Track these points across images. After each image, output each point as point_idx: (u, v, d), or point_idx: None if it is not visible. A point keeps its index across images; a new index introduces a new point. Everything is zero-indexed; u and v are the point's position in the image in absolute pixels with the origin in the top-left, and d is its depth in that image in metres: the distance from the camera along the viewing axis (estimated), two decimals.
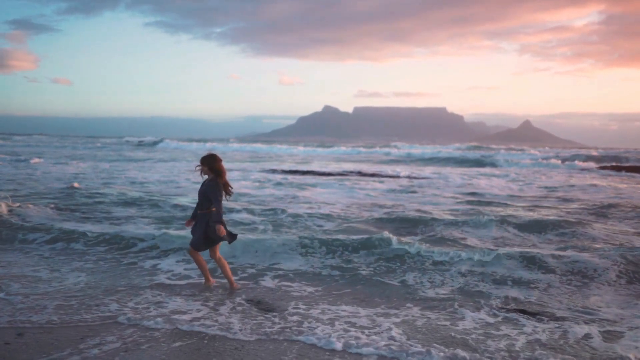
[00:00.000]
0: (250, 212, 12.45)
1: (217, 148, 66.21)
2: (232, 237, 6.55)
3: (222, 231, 6.32)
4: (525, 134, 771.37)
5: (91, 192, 15.16)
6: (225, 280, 6.83)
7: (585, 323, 5.63)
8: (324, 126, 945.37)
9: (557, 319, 5.79)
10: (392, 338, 5.12)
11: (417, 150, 57.87)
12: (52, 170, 24.54)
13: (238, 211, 12.48)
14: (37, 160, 31.45)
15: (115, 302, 6.13)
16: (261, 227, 10.76)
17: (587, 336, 5.26)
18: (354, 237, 9.09)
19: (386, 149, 61.10)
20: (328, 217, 11.92)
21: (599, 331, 5.37)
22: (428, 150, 58.16)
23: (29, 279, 6.98)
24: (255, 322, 5.55)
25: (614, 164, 38.68)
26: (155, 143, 73.66)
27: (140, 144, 73.18)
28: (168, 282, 7.06)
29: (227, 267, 6.75)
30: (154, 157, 41.69)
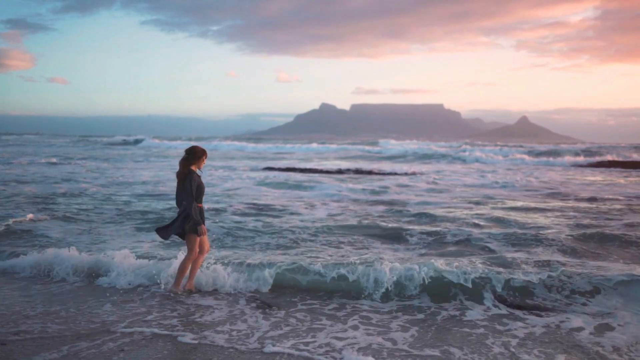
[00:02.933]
0: (242, 213, 12.48)
1: (218, 147, 65.16)
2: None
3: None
4: (522, 129, 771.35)
5: (102, 196, 15.12)
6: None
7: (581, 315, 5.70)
8: (321, 123, 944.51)
9: (555, 313, 5.85)
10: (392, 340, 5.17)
11: (406, 147, 57.42)
12: (65, 172, 24.49)
13: (227, 212, 12.51)
14: (53, 160, 31.67)
15: (113, 304, 6.17)
16: (251, 224, 10.77)
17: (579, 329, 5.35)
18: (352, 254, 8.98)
19: (371, 147, 60.48)
20: (324, 220, 11.54)
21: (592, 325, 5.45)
22: (415, 146, 57.74)
23: (30, 280, 7.02)
24: (257, 324, 5.54)
25: (610, 159, 38.06)
26: (137, 141, 72.45)
27: (125, 143, 72.32)
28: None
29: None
30: (146, 155, 41.61)
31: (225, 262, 7.17)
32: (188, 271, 6.41)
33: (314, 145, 65.47)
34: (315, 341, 5.08)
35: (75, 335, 5.11)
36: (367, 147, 59.02)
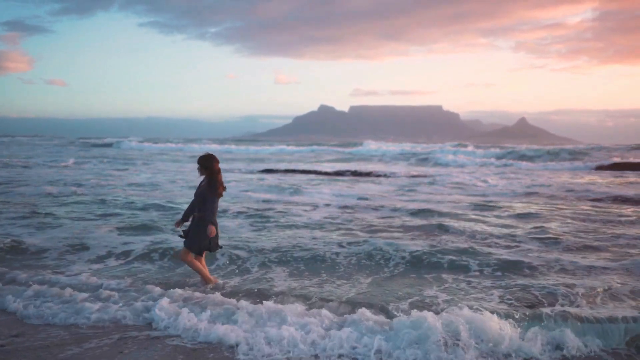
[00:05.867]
0: (238, 217, 12.43)
1: (185, 149, 62.00)
2: (217, 245, 6.61)
3: (213, 231, 6.33)
4: (521, 131, 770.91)
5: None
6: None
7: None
8: (320, 125, 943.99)
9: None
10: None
11: (397, 148, 57.04)
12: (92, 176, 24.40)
13: (228, 216, 12.50)
14: (72, 160, 32.86)
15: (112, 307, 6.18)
16: (245, 233, 10.70)
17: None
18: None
19: (360, 148, 60.12)
20: (328, 227, 11.30)
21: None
22: (408, 147, 57.19)
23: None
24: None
25: (615, 160, 36.03)
26: (116, 143, 70.62)
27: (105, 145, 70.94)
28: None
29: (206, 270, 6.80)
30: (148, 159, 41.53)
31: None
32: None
33: (301, 147, 64.59)
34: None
35: (76, 334, 5.15)
36: (357, 149, 58.40)
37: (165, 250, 8.56)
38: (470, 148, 52.15)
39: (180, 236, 6.63)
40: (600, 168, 31.75)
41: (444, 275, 7.34)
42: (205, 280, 6.68)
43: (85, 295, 6.20)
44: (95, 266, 7.91)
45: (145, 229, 10.48)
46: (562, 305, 5.97)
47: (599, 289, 6.55)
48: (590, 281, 7.01)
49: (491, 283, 7.00)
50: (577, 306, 5.95)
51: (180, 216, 7.02)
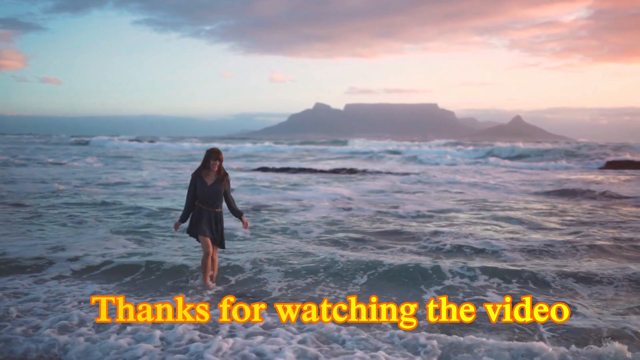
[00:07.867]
0: (231, 216, 12.26)
1: (163, 147, 61.52)
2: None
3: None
4: (516, 129, 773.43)
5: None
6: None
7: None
8: (315, 123, 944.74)
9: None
10: None
11: (387, 146, 56.94)
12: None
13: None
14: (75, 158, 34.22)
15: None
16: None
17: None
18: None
19: (345, 146, 60.05)
20: (317, 225, 11.36)
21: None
22: (403, 147, 57.10)
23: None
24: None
25: (611, 158, 35.06)
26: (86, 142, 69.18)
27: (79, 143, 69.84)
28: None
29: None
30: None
31: None
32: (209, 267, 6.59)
33: (286, 146, 64.10)
34: None
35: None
36: (348, 147, 58.22)
37: (154, 259, 8.26)
38: (461, 146, 52.14)
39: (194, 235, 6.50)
40: (596, 167, 32.08)
41: (441, 279, 7.13)
42: (205, 278, 6.66)
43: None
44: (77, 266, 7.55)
45: (134, 232, 10.15)
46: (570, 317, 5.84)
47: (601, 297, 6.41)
48: (594, 290, 6.90)
49: (486, 284, 6.85)
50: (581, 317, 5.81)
51: (175, 216, 6.89)
